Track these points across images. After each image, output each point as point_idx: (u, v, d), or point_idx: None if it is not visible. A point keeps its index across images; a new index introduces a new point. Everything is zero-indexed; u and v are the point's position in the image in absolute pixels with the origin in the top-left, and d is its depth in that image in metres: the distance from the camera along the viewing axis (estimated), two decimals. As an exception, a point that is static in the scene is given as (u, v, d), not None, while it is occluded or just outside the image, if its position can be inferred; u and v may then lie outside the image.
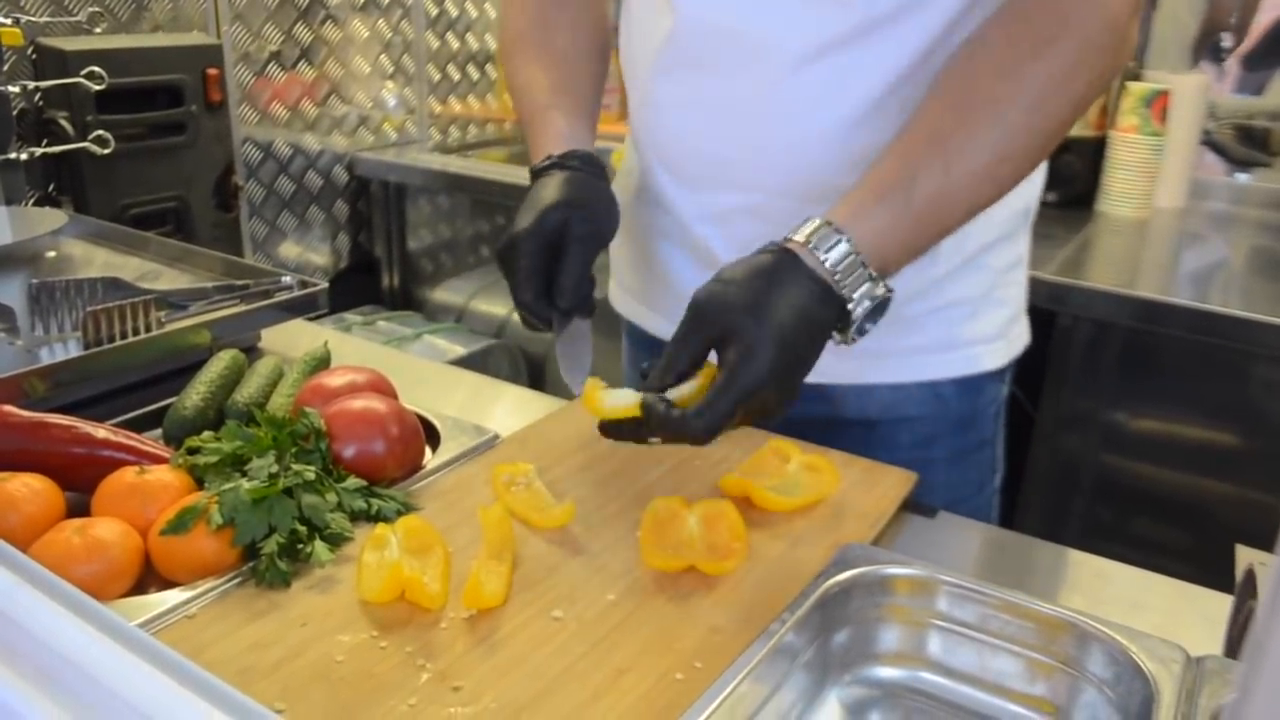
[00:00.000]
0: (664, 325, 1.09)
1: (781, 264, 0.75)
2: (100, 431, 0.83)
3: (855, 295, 0.75)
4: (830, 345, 0.77)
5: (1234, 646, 0.70)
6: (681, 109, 0.97)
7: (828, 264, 0.75)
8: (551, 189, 0.87)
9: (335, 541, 0.76)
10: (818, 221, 0.76)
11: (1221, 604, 0.72)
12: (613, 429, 0.78)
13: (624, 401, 0.76)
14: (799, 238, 0.76)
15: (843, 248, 0.75)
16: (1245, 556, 0.73)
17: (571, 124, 0.97)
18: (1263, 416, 1.59)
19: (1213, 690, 0.58)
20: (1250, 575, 0.70)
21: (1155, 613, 0.76)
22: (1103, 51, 0.80)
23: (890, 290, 0.77)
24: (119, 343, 1.02)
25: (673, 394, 0.75)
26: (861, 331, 0.78)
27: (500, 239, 0.87)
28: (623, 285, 1.17)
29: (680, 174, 1.00)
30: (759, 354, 0.71)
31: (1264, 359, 1.56)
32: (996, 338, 1.03)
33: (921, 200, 0.78)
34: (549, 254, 0.85)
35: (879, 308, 0.77)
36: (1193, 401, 1.64)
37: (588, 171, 0.90)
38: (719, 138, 0.94)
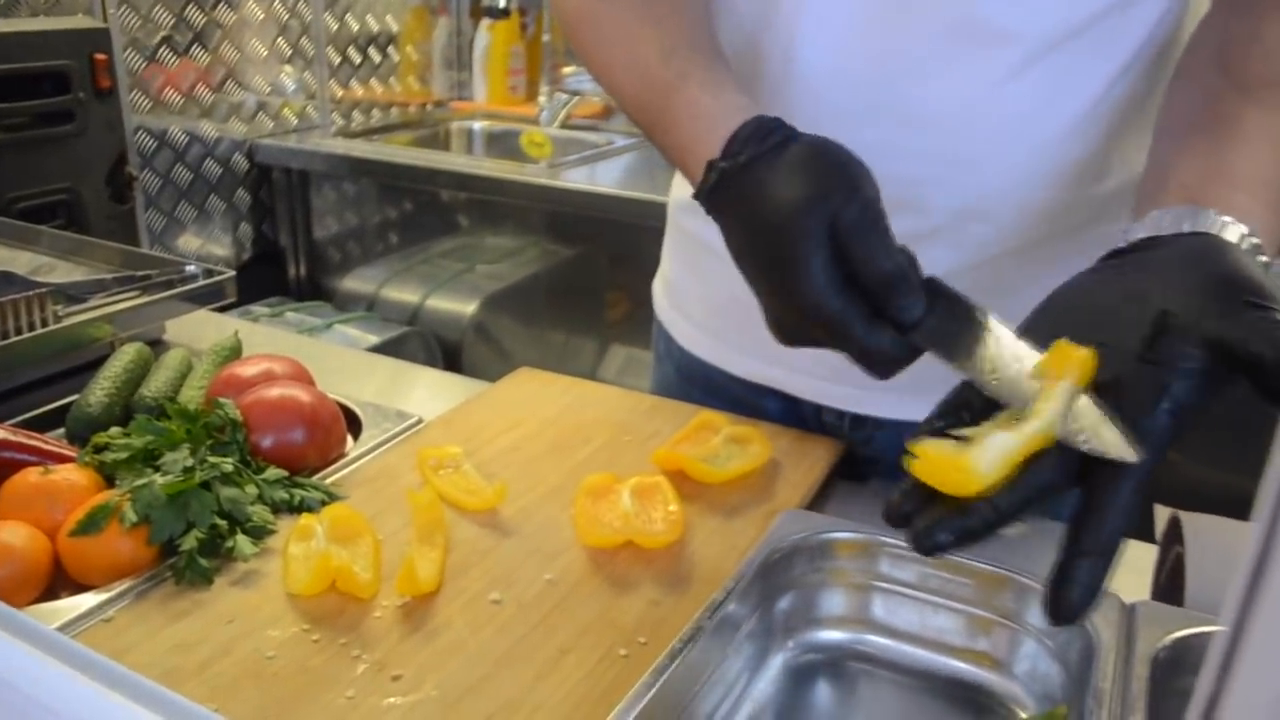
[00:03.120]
0: (788, 379, 0.94)
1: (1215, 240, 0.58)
2: (-2, 432, 0.79)
3: None
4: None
5: (1162, 590, 0.72)
6: (857, 118, 0.78)
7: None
8: (797, 172, 0.58)
9: (258, 534, 0.74)
10: (1205, 211, 0.60)
11: (1145, 554, 0.74)
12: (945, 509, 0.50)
13: (1016, 447, 0.48)
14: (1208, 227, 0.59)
15: (1244, 235, 0.59)
16: (1164, 513, 0.75)
17: (739, 89, 0.70)
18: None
19: (1148, 634, 0.60)
20: (1174, 523, 0.72)
21: (1084, 564, 0.77)
22: None
23: None
24: (13, 339, 0.96)
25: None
26: None
27: (775, 294, 0.58)
28: (705, 329, 0.99)
29: None
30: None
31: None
32: None
33: None
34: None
35: None
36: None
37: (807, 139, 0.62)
38: (909, 153, 0.79)
